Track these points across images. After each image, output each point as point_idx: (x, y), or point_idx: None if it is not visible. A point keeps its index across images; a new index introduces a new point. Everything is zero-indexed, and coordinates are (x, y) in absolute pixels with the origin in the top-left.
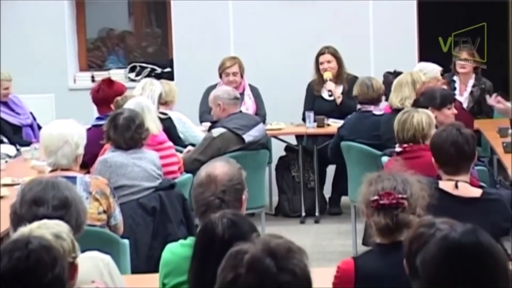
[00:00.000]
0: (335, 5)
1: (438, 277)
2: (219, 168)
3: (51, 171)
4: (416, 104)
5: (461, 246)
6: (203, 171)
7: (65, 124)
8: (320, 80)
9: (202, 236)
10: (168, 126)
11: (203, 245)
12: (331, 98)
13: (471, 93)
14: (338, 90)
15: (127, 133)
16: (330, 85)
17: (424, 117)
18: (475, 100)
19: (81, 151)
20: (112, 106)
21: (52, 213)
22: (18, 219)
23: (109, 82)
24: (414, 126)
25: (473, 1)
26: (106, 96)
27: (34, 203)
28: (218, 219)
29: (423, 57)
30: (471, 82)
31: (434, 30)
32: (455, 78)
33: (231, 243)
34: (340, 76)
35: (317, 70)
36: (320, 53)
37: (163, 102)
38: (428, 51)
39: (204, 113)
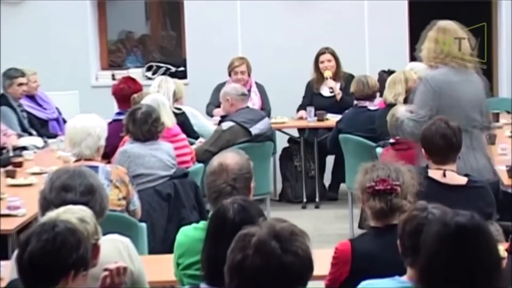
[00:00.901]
0: (333, 8)
1: (438, 255)
2: (230, 158)
3: (76, 161)
4: (408, 99)
5: (461, 227)
6: (215, 161)
7: (88, 118)
8: (319, 78)
9: (214, 220)
10: (183, 120)
11: (216, 228)
12: (331, 94)
13: None
14: (336, 87)
15: (144, 127)
16: (331, 82)
17: None
18: None
19: (102, 142)
20: (130, 102)
21: (79, 198)
22: (47, 204)
23: (129, 80)
24: None
25: (460, 1)
26: (126, 92)
27: (63, 189)
28: (229, 204)
29: (414, 56)
30: None
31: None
32: None
33: (240, 226)
34: (338, 74)
35: (317, 68)
36: (321, 53)
37: (177, 98)
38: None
39: (210, 105)
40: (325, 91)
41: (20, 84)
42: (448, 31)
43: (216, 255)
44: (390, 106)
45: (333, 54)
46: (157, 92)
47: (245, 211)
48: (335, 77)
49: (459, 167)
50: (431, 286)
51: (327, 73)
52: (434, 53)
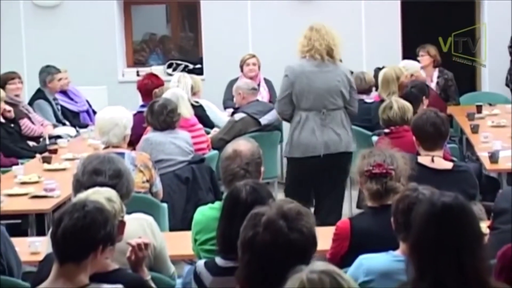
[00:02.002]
0: (333, 9)
1: (426, 232)
2: (243, 145)
3: (104, 148)
4: (408, 93)
5: (447, 206)
6: (230, 148)
7: (116, 110)
8: None
9: (229, 200)
10: (201, 112)
11: (230, 207)
12: None
13: (437, 83)
14: None
15: (160, 117)
16: None
17: (405, 105)
18: (441, 88)
19: (128, 132)
20: (152, 95)
21: (108, 181)
22: (80, 186)
23: (152, 76)
24: (397, 113)
25: (449, 1)
26: (149, 87)
27: (94, 173)
28: (242, 186)
29: (407, 53)
30: (436, 74)
31: (416, 29)
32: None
33: (252, 206)
34: None
35: None
36: None
37: (194, 92)
38: (411, 47)
39: (227, 101)
40: None
41: (59, 79)
42: (318, 30)
43: (230, 232)
44: (383, 100)
45: None
46: (177, 86)
47: (256, 192)
48: None
49: (313, 141)
50: (421, 260)
51: None
52: (302, 47)
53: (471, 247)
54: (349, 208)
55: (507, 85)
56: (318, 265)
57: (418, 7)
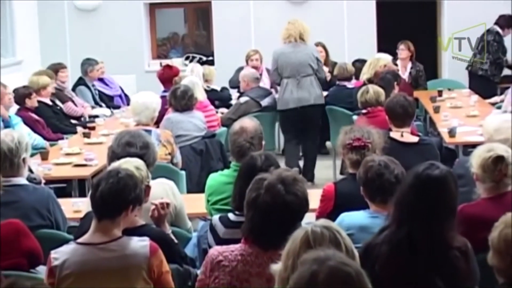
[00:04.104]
0: (322, 9)
1: (407, 196)
2: (248, 123)
3: (135, 125)
4: (383, 79)
5: (431, 178)
6: (237, 125)
7: (148, 95)
8: None
9: (246, 166)
10: (213, 96)
11: (248, 172)
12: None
13: (410, 73)
14: (326, 71)
15: (182, 101)
16: (324, 68)
17: (378, 90)
18: (413, 77)
19: (156, 114)
20: (172, 82)
21: (138, 151)
22: (115, 156)
23: (167, 66)
24: (372, 96)
25: (416, 2)
26: (166, 76)
27: (127, 145)
28: (258, 156)
29: (381, 47)
30: (409, 65)
31: (389, 27)
32: (397, 62)
33: (265, 170)
34: (327, 61)
35: None
36: (315, 45)
37: (207, 79)
38: (384, 42)
39: (232, 81)
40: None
41: (97, 69)
42: (293, 23)
43: (245, 191)
44: (363, 85)
45: (323, 46)
46: (191, 75)
47: (268, 160)
48: (325, 63)
49: (291, 98)
50: (400, 215)
51: None
52: (283, 35)
53: (441, 216)
54: (333, 174)
55: (467, 68)
56: (321, 221)
57: (391, 8)
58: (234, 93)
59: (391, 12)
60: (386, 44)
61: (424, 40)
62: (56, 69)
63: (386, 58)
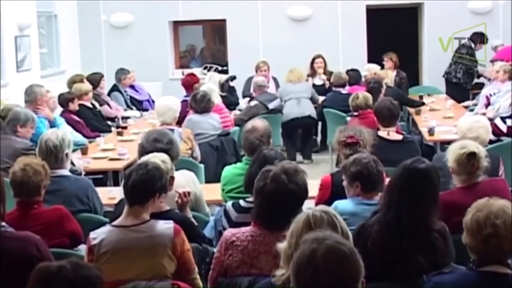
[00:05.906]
0: (319, 28)
1: (396, 185)
2: (258, 123)
3: (160, 125)
4: (371, 88)
5: (417, 170)
6: (249, 124)
7: (170, 99)
8: (313, 73)
9: (262, 159)
10: (228, 100)
11: (261, 163)
12: (321, 83)
13: (395, 80)
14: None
15: (201, 104)
16: (323, 76)
17: (367, 95)
18: (397, 84)
19: (177, 114)
20: (193, 88)
21: (164, 146)
22: (144, 151)
23: (190, 74)
24: (362, 101)
25: (400, 7)
26: (189, 83)
27: (155, 141)
28: (269, 151)
29: (371, 57)
30: (394, 74)
31: (379, 40)
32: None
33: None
34: (325, 71)
35: (312, 67)
36: (315, 57)
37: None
38: (374, 53)
39: (244, 91)
40: (316, 81)
41: (129, 78)
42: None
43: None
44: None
45: (322, 58)
46: (208, 82)
47: (280, 154)
48: (324, 73)
49: (292, 112)
50: (389, 202)
51: (320, 71)
52: (287, 77)
53: (425, 203)
54: (330, 167)
55: (443, 76)
56: (320, 207)
57: (380, 17)
58: (244, 101)
59: (381, 24)
60: (374, 55)
61: (407, 50)
62: (99, 78)
63: (375, 68)
